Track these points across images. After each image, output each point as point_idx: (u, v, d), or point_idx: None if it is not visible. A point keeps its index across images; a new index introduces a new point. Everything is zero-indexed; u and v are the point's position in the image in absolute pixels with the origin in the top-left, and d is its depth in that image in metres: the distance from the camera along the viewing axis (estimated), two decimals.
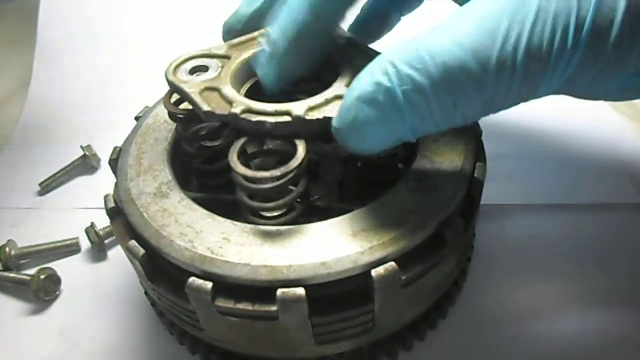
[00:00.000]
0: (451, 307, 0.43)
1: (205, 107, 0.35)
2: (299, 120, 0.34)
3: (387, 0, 0.50)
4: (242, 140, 0.35)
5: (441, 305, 0.41)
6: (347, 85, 0.36)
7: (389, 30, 0.50)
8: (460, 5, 0.45)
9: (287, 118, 0.34)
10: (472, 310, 0.44)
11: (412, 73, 0.28)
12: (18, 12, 0.93)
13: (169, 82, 0.38)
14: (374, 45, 0.42)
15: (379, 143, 0.31)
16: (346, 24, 0.47)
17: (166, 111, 0.41)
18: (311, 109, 0.34)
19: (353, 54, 0.40)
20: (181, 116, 0.40)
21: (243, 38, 0.42)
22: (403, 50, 0.29)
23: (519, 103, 0.30)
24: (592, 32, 0.27)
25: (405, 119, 0.29)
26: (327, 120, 0.34)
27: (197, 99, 0.36)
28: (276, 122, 0.34)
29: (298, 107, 0.34)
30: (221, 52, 0.40)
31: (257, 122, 0.34)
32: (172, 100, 0.41)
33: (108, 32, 0.81)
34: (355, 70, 0.38)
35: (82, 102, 0.72)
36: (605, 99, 0.34)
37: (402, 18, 0.50)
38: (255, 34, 0.42)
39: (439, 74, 0.28)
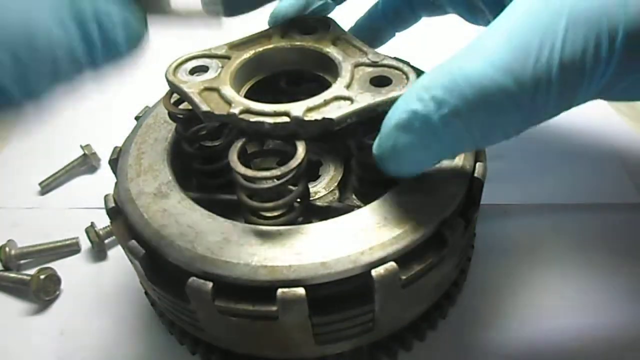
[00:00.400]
0: (451, 307, 0.43)
1: (205, 108, 0.35)
2: (297, 121, 0.34)
3: (382, 16, 0.50)
4: (242, 140, 0.35)
5: (441, 305, 0.41)
6: (347, 86, 0.36)
7: (381, 45, 0.51)
8: (469, 20, 0.46)
9: (286, 119, 0.34)
10: (472, 310, 0.44)
11: (447, 97, 0.28)
12: None
13: (169, 82, 0.38)
14: None
15: (419, 166, 0.33)
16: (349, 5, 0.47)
17: (166, 111, 0.41)
18: (310, 109, 0.34)
19: (351, 53, 0.40)
20: (181, 116, 0.40)
21: (244, 38, 0.42)
22: (436, 75, 0.29)
23: (557, 115, 0.30)
24: (626, 40, 0.27)
25: (443, 142, 0.30)
26: (326, 121, 0.34)
27: (197, 99, 0.36)
28: (275, 123, 0.34)
29: (297, 108, 0.34)
30: (221, 52, 0.40)
31: (256, 122, 0.34)
32: (172, 100, 0.41)
33: None
34: (353, 70, 0.38)
35: (83, 101, 0.72)
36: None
37: (397, 34, 0.51)
38: (256, 34, 0.43)
39: (474, 96, 0.27)
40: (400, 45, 0.51)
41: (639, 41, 0.27)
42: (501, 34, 0.28)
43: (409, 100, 0.30)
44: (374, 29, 0.50)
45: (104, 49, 0.26)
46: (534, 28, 0.27)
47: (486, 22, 0.31)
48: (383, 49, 0.49)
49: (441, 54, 0.34)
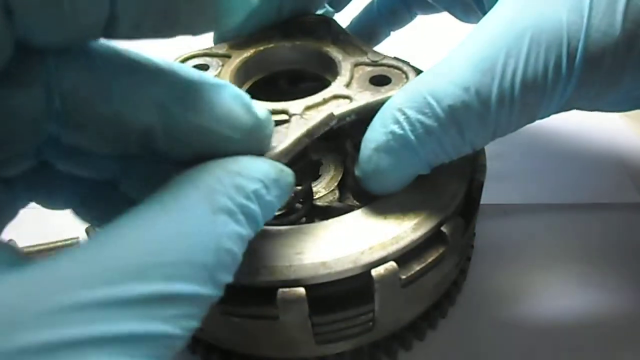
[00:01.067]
0: (451, 306, 0.43)
1: None
2: (296, 119, 0.34)
3: (378, 16, 0.51)
4: None
5: (441, 305, 0.41)
6: (346, 84, 0.36)
7: (377, 44, 0.52)
8: (460, 19, 0.46)
9: (285, 117, 0.34)
10: (472, 310, 0.44)
11: (422, 118, 0.31)
12: None
13: None
14: None
15: (399, 183, 0.34)
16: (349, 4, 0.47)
17: None
18: (309, 108, 0.34)
19: (351, 52, 0.40)
20: None
21: (244, 37, 0.42)
22: (410, 97, 0.31)
23: (520, 127, 0.32)
24: (585, 59, 0.29)
25: (420, 158, 0.32)
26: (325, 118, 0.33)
27: None
28: (274, 121, 0.34)
29: (295, 106, 0.34)
30: (222, 51, 0.40)
31: None
32: None
33: None
34: (353, 69, 0.38)
35: None
36: (605, 111, 0.35)
37: (392, 33, 0.52)
38: (257, 33, 0.42)
39: (445, 116, 0.30)
40: (398, 45, 0.51)
41: (597, 61, 0.29)
42: (467, 56, 0.30)
43: (385, 122, 0.32)
44: (370, 27, 0.51)
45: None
46: (498, 50, 0.29)
47: (478, 21, 0.32)
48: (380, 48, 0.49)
49: (436, 54, 0.35)
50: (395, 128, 0.31)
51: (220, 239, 0.21)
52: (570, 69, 0.29)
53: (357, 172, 0.35)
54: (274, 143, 0.32)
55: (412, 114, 0.31)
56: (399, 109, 0.31)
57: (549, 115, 0.32)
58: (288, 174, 0.27)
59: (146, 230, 0.19)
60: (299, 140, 0.32)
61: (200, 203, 0.21)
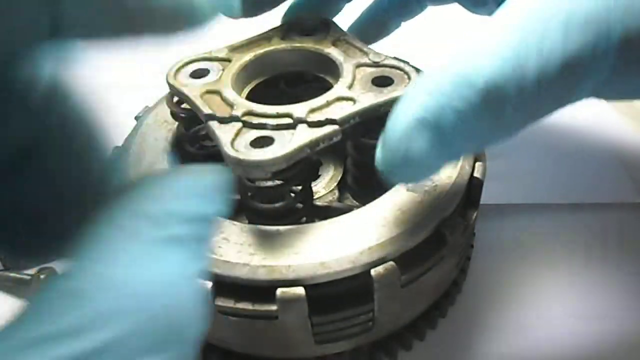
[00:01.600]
0: (451, 306, 0.43)
1: (207, 110, 0.35)
2: (300, 122, 0.34)
3: (389, 6, 0.50)
4: None
5: (441, 305, 0.41)
6: (349, 86, 0.36)
7: (386, 35, 0.51)
8: (470, 10, 0.46)
9: (289, 120, 0.34)
10: (472, 310, 0.44)
11: (454, 102, 0.28)
12: None
13: (170, 86, 0.38)
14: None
15: (428, 173, 0.32)
16: (345, 24, 0.47)
17: (166, 111, 0.41)
18: (312, 110, 0.34)
19: (352, 53, 0.40)
20: (183, 115, 0.40)
21: (244, 41, 0.42)
22: (438, 79, 0.28)
23: (557, 110, 0.30)
24: (621, 44, 0.27)
25: (452, 146, 0.29)
26: (329, 122, 0.34)
27: (198, 102, 0.36)
28: (277, 125, 0.34)
29: (299, 109, 0.34)
30: (222, 55, 0.40)
31: (259, 124, 0.34)
32: (175, 99, 0.41)
33: None
34: (355, 71, 0.38)
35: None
36: (632, 98, 0.34)
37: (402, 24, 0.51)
38: (256, 36, 0.43)
39: (479, 97, 0.27)
40: (400, 42, 0.51)
41: (634, 45, 0.27)
42: (502, 34, 0.28)
43: (414, 108, 0.29)
44: (380, 18, 0.50)
45: None
46: (534, 27, 0.27)
47: (489, 12, 0.30)
48: (382, 45, 0.49)
49: (441, 49, 0.34)
50: (426, 114, 0.28)
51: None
52: (607, 51, 0.27)
53: (380, 166, 0.31)
54: (277, 146, 0.32)
55: (442, 98, 0.28)
56: (427, 93, 0.29)
57: (583, 98, 0.30)
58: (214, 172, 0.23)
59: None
60: (301, 149, 0.32)
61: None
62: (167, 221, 0.19)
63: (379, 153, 0.31)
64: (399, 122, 0.29)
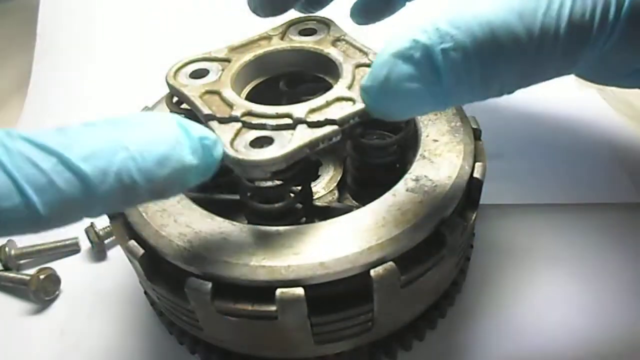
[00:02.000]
0: (450, 306, 0.43)
1: (206, 111, 0.35)
2: (300, 122, 0.34)
3: None
4: None
5: (440, 305, 0.42)
6: (349, 86, 0.36)
7: (391, 14, 0.49)
8: None
9: (288, 120, 0.34)
10: (472, 310, 0.44)
11: (454, 31, 0.27)
12: (18, 11, 0.93)
13: (170, 86, 0.38)
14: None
15: (411, 105, 0.29)
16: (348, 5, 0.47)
17: (166, 111, 0.41)
18: (312, 111, 0.34)
19: (352, 54, 0.40)
20: (183, 115, 0.40)
21: (244, 41, 0.42)
22: (444, 10, 0.28)
23: (555, 76, 0.29)
24: (631, 10, 0.27)
25: (442, 80, 0.28)
26: (329, 122, 0.34)
27: (198, 102, 0.36)
28: (277, 125, 0.34)
29: (299, 110, 0.34)
30: (221, 55, 0.40)
31: (258, 124, 0.34)
32: (174, 99, 0.41)
33: (108, 32, 0.81)
34: (355, 71, 0.38)
35: (82, 101, 0.72)
36: (621, 84, 0.33)
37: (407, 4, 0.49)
38: (256, 36, 0.43)
39: (482, 34, 0.27)
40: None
41: None
42: None
43: (412, 30, 0.28)
44: None
45: None
46: None
47: None
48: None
49: None
50: (422, 37, 0.27)
51: None
52: (617, 16, 0.27)
53: (364, 82, 0.30)
54: (277, 146, 0.32)
55: (443, 25, 0.27)
56: (429, 20, 0.27)
57: (582, 69, 0.30)
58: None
59: None
60: (300, 149, 0.32)
61: None
62: None
63: (363, 79, 0.30)
64: (392, 43, 0.28)
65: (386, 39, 0.29)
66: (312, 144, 0.33)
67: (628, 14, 0.27)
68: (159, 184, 0.26)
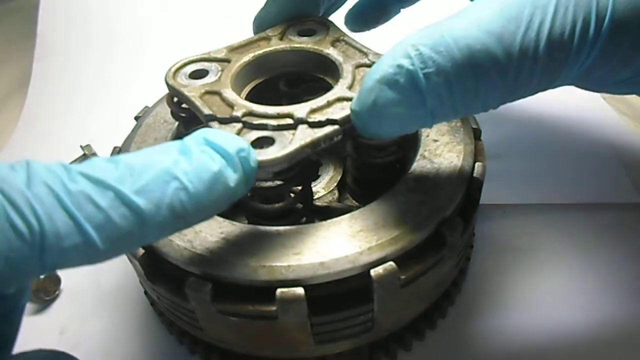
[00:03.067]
0: (450, 306, 0.43)
1: (207, 111, 0.35)
2: (301, 123, 0.34)
3: None
4: None
5: (440, 305, 0.42)
6: (349, 87, 0.36)
7: (386, 21, 0.50)
8: None
9: (289, 121, 0.34)
10: (472, 310, 0.44)
11: (435, 56, 0.28)
12: (18, 11, 0.93)
13: (169, 87, 0.38)
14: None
15: (398, 127, 0.31)
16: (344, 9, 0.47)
17: (166, 111, 0.41)
18: (313, 111, 0.34)
19: (351, 54, 0.40)
20: (183, 115, 0.40)
21: (243, 41, 0.42)
22: (426, 34, 0.29)
23: (537, 92, 0.30)
24: (612, 25, 0.27)
25: (425, 103, 0.29)
26: (330, 122, 0.34)
27: (198, 102, 0.36)
28: (278, 125, 0.34)
29: (300, 110, 0.34)
30: (221, 56, 0.40)
31: (259, 125, 0.34)
32: (175, 99, 0.41)
33: (108, 32, 0.81)
34: (355, 71, 0.38)
35: (82, 102, 0.72)
36: (611, 92, 0.34)
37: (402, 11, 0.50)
38: (255, 37, 0.43)
39: (462, 58, 0.28)
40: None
41: (623, 28, 0.28)
42: (494, 3, 0.28)
43: (395, 55, 0.29)
44: (380, 3, 0.49)
45: None
46: (526, 1, 0.28)
47: None
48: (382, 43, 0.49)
49: None
50: (405, 62, 0.28)
51: None
52: (597, 32, 0.28)
53: (353, 106, 0.32)
54: (278, 146, 0.32)
55: (425, 50, 0.28)
56: (412, 44, 0.28)
57: (565, 84, 0.30)
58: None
59: None
60: (301, 149, 0.32)
61: None
62: None
63: (352, 103, 0.32)
64: (377, 69, 0.30)
65: (373, 66, 0.30)
66: (314, 144, 0.33)
67: (608, 30, 0.27)
68: (208, 208, 0.26)
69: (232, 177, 0.27)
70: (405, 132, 0.32)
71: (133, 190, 0.24)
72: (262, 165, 0.31)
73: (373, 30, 0.50)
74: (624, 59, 0.29)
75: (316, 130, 0.33)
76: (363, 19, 0.48)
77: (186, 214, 0.25)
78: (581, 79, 0.30)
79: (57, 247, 0.22)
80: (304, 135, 0.33)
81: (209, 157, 0.26)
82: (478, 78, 0.28)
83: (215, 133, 0.28)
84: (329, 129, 0.33)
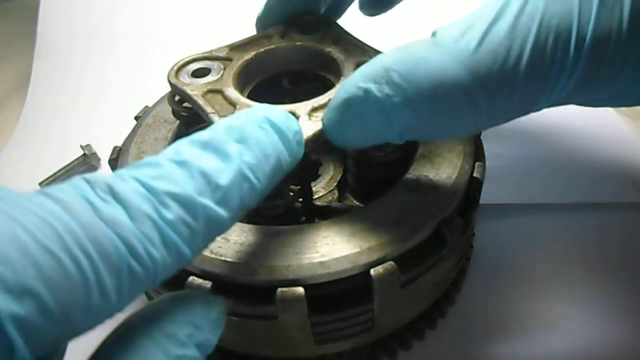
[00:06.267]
0: (450, 306, 0.43)
1: (209, 110, 0.35)
2: (303, 122, 0.34)
3: None
4: None
5: (440, 305, 0.42)
6: None
7: (392, 6, 0.48)
8: None
9: None
10: (472, 310, 0.44)
11: (405, 85, 0.27)
12: (18, 11, 0.93)
13: (172, 85, 0.38)
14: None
15: (365, 142, 0.32)
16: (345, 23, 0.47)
17: (166, 111, 0.41)
18: (315, 109, 0.34)
19: (353, 52, 0.40)
20: (185, 114, 0.40)
21: (244, 40, 0.42)
22: (399, 58, 0.28)
23: (512, 119, 0.29)
24: (593, 45, 0.26)
25: (392, 126, 0.29)
26: None
27: (201, 101, 0.36)
28: None
29: (302, 108, 0.34)
30: (222, 54, 0.40)
31: None
32: (176, 98, 0.41)
33: (108, 32, 0.81)
34: (356, 69, 0.38)
35: (82, 102, 0.72)
36: (601, 106, 0.33)
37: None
38: (257, 35, 0.43)
39: (432, 91, 0.27)
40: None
41: (602, 50, 0.27)
42: (471, 32, 0.27)
43: (366, 76, 0.29)
44: None
45: None
46: (506, 31, 0.26)
47: None
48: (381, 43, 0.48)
49: None
50: (374, 88, 0.28)
51: None
52: (577, 55, 0.26)
53: (324, 117, 0.32)
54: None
55: (396, 77, 0.28)
56: (383, 67, 0.28)
57: (544, 108, 0.30)
58: (218, 305, 0.27)
59: None
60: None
61: None
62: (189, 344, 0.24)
63: (324, 113, 0.32)
64: (345, 88, 0.30)
65: (346, 79, 0.30)
66: (316, 136, 0.32)
67: (590, 49, 0.26)
68: (266, 194, 0.27)
69: (286, 162, 0.27)
70: (375, 144, 0.32)
71: (215, 202, 0.23)
72: None
73: (373, 30, 0.50)
74: (608, 78, 0.28)
75: (318, 123, 0.33)
76: (378, 1, 0.47)
77: (251, 206, 0.25)
78: (563, 103, 0.30)
79: (163, 276, 0.22)
80: (306, 129, 0.32)
81: (269, 142, 0.26)
82: (446, 111, 0.27)
83: (276, 112, 0.27)
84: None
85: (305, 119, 0.33)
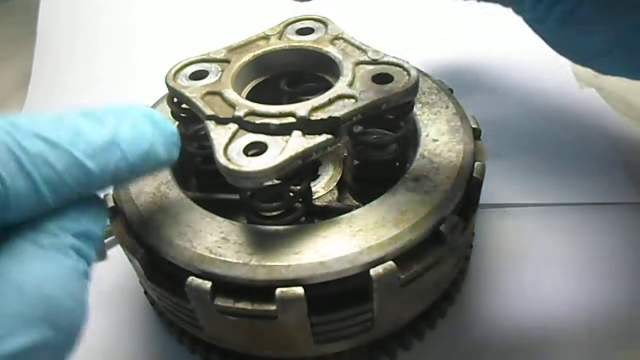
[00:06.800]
0: (450, 306, 0.43)
1: (209, 112, 0.35)
2: (303, 121, 0.34)
3: None
4: None
5: (440, 305, 0.41)
6: (350, 84, 0.36)
7: None
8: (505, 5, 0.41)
9: (292, 119, 0.34)
10: (471, 310, 0.44)
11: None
12: (18, 10, 0.93)
13: (170, 88, 0.38)
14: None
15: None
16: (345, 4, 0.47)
17: (165, 111, 0.41)
18: (315, 109, 0.34)
19: (350, 52, 0.40)
20: (184, 115, 0.40)
21: (242, 41, 0.42)
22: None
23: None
24: None
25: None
26: (332, 120, 0.34)
27: (200, 103, 0.36)
28: (281, 124, 0.34)
29: (302, 108, 0.34)
30: (220, 56, 0.40)
31: (262, 124, 0.34)
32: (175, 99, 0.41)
33: (108, 32, 0.81)
34: (355, 69, 0.38)
35: (82, 102, 0.72)
36: (592, 66, 0.33)
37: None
38: (254, 37, 0.43)
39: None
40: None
41: None
42: None
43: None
44: None
45: None
46: None
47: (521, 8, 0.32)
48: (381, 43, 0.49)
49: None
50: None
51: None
52: None
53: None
54: (268, 156, 0.32)
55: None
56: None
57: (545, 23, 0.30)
58: (96, 200, 0.29)
59: None
60: (292, 160, 0.32)
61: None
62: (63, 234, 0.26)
63: None
64: None
65: None
66: (305, 154, 0.32)
67: None
68: (139, 174, 0.29)
69: (161, 156, 0.29)
70: None
71: (85, 154, 0.25)
72: (249, 176, 0.31)
73: (373, 30, 0.50)
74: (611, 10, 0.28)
75: (309, 139, 0.33)
76: None
77: (122, 177, 0.28)
78: (566, 21, 0.30)
79: (16, 206, 0.23)
80: (295, 145, 0.32)
81: (146, 128, 0.28)
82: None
83: (158, 113, 0.30)
84: (322, 138, 0.33)
85: (298, 135, 0.33)
